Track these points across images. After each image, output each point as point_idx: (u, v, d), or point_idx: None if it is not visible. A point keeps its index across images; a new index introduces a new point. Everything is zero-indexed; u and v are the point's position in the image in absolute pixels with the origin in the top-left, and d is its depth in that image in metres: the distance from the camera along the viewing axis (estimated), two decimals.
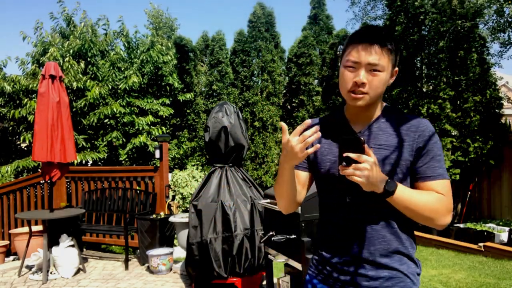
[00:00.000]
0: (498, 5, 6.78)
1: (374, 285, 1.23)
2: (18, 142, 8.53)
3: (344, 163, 1.10)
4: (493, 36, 7.22)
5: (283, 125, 1.17)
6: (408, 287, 1.24)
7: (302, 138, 1.12)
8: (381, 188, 1.11)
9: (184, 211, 6.93)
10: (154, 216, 4.91)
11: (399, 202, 1.15)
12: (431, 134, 1.24)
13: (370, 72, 1.19)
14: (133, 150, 7.94)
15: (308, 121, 1.16)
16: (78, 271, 4.57)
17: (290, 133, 1.16)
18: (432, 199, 1.19)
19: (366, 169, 1.07)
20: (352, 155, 1.08)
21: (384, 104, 1.33)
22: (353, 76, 1.20)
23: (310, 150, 1.15)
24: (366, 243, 1.23)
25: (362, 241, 1.24)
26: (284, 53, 10.39)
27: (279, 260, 2.82)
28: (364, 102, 1.22)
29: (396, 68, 1.26)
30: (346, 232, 1.26)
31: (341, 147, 1.12)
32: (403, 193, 1.15)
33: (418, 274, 1.29)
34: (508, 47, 7.54)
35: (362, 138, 1.09)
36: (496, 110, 7.35)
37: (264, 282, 3.74)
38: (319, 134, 1.12)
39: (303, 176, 1.37)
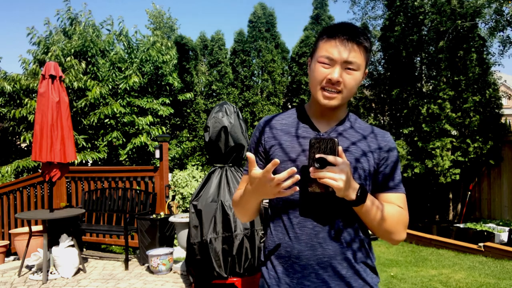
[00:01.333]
0: (497, 4, 6.78)
1: None
2: (18, 142, 8.53)
3: (317, 165, 0.99)
4: (491, 35, 7.22)
5: (250, 156, 1.05)
6: None
7: (277, 182, 0.99)
8: (353, 195, 1.03)
9: (184, 211, 6.93)
10: (154, 216, 4.91)
11: (367, 211, 1.08)
12: (394, 148, 1.21)
13: (345, 70, 1.11)
14: (133, 150, 7.94)
15: (277, 161, 0.98)
16: (78, 271, 4.58)
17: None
18: (395, 212, 1.14)
19: (343, 172, 0.99)
20: (329, 157, 0.99)
21: (348, 110, 1.27)
22: (327, 73, 1.11)
23: (281, 175, 0.99)
24: (329, 248, 1.12)
25: (325, 241, 1.12)
26: (288, 53, 10.38)
27: None
28: (337, 102, 1.14)
29: (366, 70, 1.19)
30: (308, 216, 1.14)
31: (313, 147, 1.02)
32: (373, 203, 1.09)
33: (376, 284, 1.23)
34: (509, 46, 7.55)
35: (336, 139, 1.01)
36: (496, 110, 7.36)
37: None
38: (298, 177, 0.98)
39: None
